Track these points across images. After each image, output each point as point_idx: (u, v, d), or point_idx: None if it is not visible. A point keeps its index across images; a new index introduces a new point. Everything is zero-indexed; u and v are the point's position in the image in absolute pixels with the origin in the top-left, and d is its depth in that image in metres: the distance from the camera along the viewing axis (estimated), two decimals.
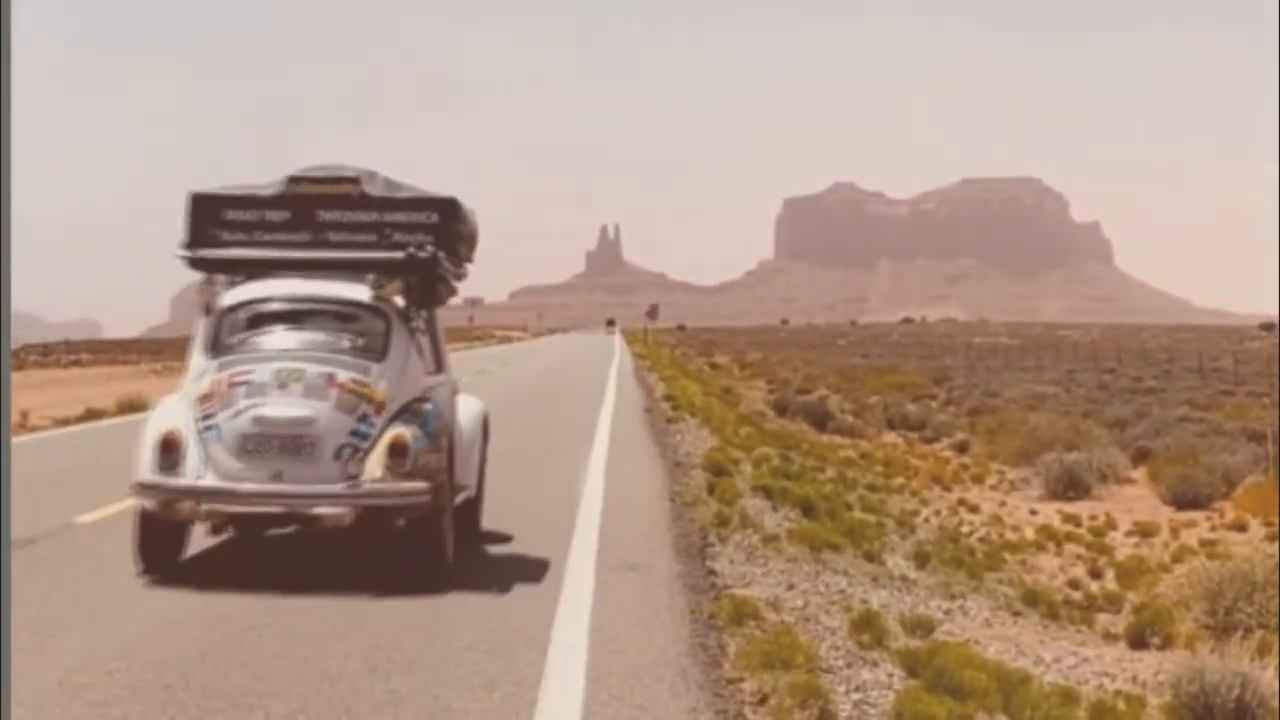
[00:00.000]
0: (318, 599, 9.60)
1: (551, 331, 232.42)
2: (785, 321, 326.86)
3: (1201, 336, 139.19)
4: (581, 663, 7.97)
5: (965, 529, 21.30)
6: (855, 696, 7.76)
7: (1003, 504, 25.54)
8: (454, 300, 12.12)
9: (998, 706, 7.95)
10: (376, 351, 10.38)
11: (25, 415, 27.07)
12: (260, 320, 10.56)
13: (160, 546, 10.38)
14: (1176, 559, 18.70)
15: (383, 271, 10.79)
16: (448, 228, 11.00)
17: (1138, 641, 12.53)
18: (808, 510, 16.08)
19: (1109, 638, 13.07)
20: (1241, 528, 21.70)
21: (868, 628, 9.35)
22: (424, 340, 10.99)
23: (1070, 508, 24.56)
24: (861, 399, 48.87)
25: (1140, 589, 16.35)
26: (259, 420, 9.94)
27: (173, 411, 10.30)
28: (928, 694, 7.62)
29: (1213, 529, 22.00)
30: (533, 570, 10.89)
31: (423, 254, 10.74)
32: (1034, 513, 24.35)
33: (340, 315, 10.56)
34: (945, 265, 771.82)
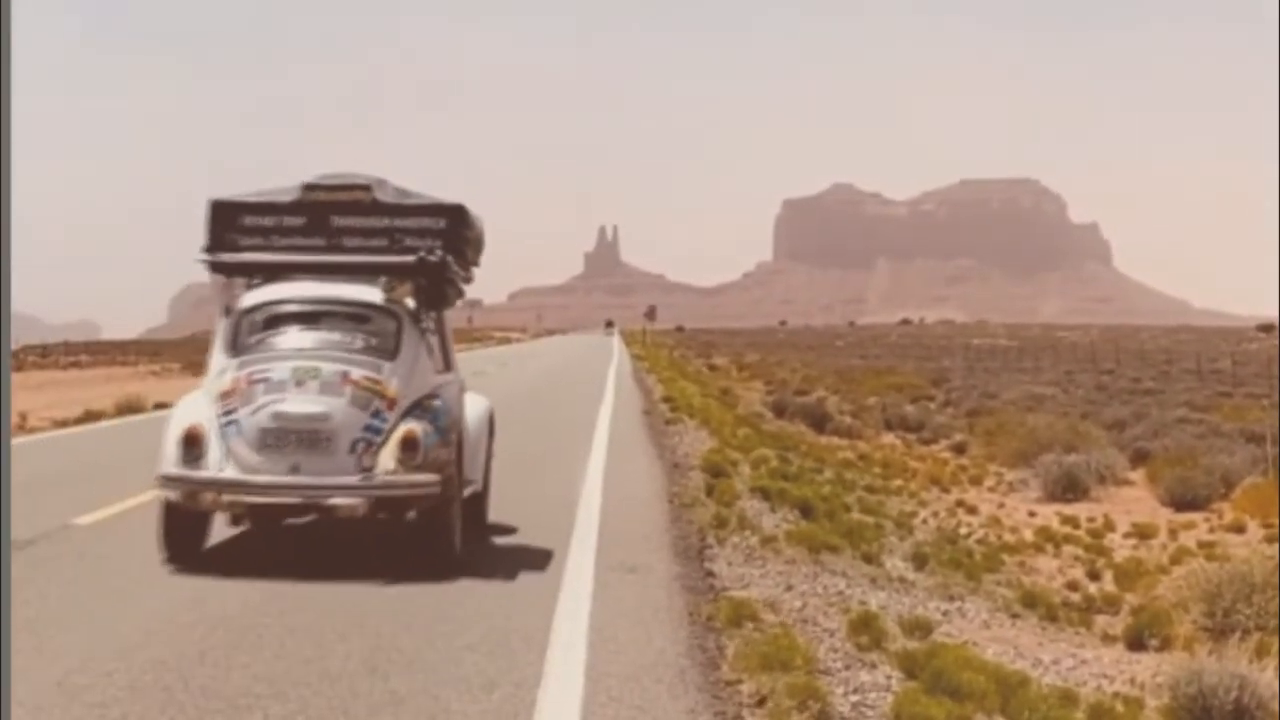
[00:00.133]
0: (318, 599, 9.63)
1: (550, 333, 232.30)
2: (783, 323, 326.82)
3: (1200, 338, 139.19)
4: (580, 663, 7.98)
5: (963, 530, 21.29)
6: (854, 698, 7.77)
7: (1001, 505, 25.54)
8: None
9: (996, 708, 7.95)
10: (388, 351, 10.89)
11: (24, 416, 27.08)
12: (278, 321, 11.08)
13: (183, 536, 10.84)
14: (1175, 560, 18.69)
15: (394, 274, 11.35)
16: (456, 233, 11.57)
17: (1136, 643, 12.54)
18: (806, 512, 16.08)
19: (1107, 639, 13.07)
20: (1240, 529, 21.69)
21: (866, 629, 9.36)
22: (433, 340, 11.51)
23: (1068, 509, 24.56)
24: (860, 400, 48.88)
25: (1139, 591, 16.34)
26: (278, 416, 10.47)
27: (195, 407, 10.82)
28: (926, 696, 7.63)
29: (1211, 530, 21.99)
30: (532, 570, 10.91)
31: (432, 258, 11.29)
32: (1032, 514, 24.35)
33: (354, 316, 11.07)
34: (944, 266, 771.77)
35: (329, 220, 11.48)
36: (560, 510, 14.00)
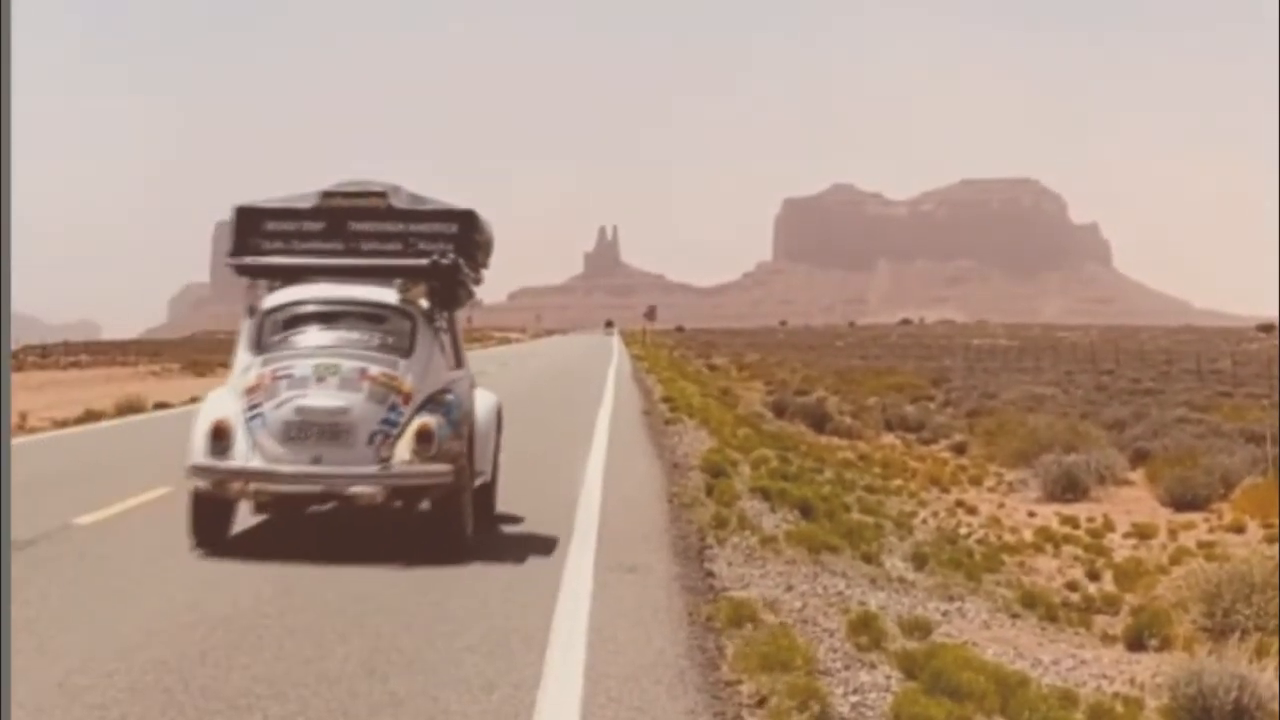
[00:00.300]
0: (318, 599, 9.65)
1: (550, 333, 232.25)
2: (784, 323, 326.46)
3: (1200, 338, 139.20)
4: (580, 663, 7.99)
5: (963, 530, 21.31)
6: (853, 698, 7.78)
7: (1001, 505, 25.55)
8: None
9: (996, 708, 7.95)
10: (404, 348, 11.58)
11: (24, 417, 27.11)
12: (299, 320, 11.76)
13: (211, 523, 11.49)
14: (1175, 561, 18.69)
15: (408, 277, 11.95)
16: (467, 237, 12.25)
17: (1136, 643, 12.53)
18: (806, 512, 16.09)
19: (1107, 639, 13.07)
20: (1240, 529, 21.69)
21: (866, 629, 9.36)
22: (445, 339, 12.14)
23: (1068, 509, 24.56)
24: (860, 400, 48.88)
25: (1138, 591, 16.35)
26: (300, 410, 11.16)
27: (223, 402, 11.50)
28: (926, 696, 7.63)
29: (1211, 531, 21.99)
30: (531, 570, 10.94)
31: (445, 261, 11.94)
32: (1032, 514, 24.36)
33: (371, 316, 11.73)
34: (944, 266, 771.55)
35: (347, 225, 12.13)
36: (560, 510, 14.02)
